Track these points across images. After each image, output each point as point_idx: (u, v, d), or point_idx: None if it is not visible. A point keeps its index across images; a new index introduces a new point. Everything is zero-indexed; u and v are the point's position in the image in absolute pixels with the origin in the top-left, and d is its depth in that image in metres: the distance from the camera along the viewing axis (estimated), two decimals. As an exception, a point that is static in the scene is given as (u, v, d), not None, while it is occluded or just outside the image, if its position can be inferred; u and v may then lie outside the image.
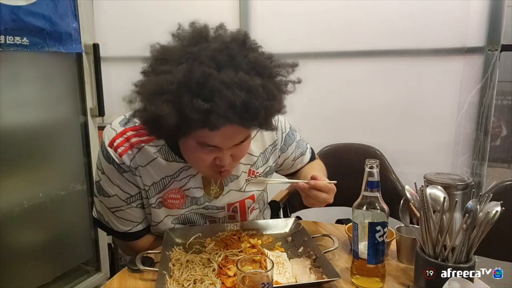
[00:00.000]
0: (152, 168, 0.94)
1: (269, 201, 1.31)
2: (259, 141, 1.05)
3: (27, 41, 1.18)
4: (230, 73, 0.74)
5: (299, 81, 0.86)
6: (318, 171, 1.13)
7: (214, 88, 0.72)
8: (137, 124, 0.93)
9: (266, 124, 0.83)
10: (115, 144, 0.91)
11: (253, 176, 1.05)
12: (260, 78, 0.77)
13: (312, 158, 1.22)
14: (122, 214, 0.98)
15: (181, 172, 0.96)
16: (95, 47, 1.40)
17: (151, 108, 0.74)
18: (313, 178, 0.94)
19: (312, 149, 1.24)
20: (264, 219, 1.19)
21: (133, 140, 0.92)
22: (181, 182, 0.97)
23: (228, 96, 0.72)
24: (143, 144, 0.92)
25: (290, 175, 1.22)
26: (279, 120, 1.09)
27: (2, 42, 1.12)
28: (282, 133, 1.09)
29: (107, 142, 0.92)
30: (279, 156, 1.10)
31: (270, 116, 0.81)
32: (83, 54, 1.39)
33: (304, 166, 1.21)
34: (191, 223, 1.04)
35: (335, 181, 0.95)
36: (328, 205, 1.32)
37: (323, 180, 0.93)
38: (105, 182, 0.94)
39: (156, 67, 0.78)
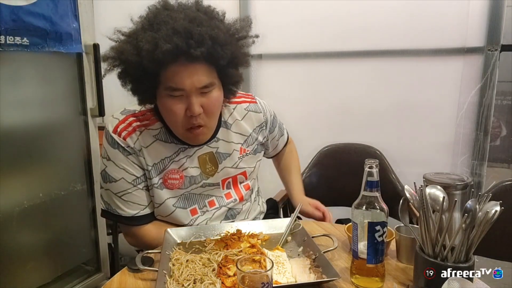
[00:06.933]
0: (153, 149, 1.01)
1: (266, 199, 1.34)
2: (248, 122, 1.14)
3: (27, 41, 1.19)
4: (179, 12, 0.89)
5: (257, 36, 0.99)
6: (297, 173, 1.37)
7: (161, 21, 0.87)
8: (136, 112, 1.03)
9: (216, 53, 0.89)
10: (118, 129, 0.99)
11: (244, 154, 1.13)
12: (206, 16, 0.91)
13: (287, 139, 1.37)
14: (129, 197, 1.02)
15: (179, 153, 1.04)
16: (95, 47, 1.40)
17: (118, 47, 0.90)
18: (314, 206, 1.22)
19: (287, 130, 1.38)
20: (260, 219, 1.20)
21: (135, 124, 1.01)
22: (179, 162, 1.04)
23: (172, 24, 0.85)
24: (144, 128, 1.01)
25: (272, 158, 1.38)
26: (266, 104, 1.21)
27: (2, 42, 1.12)
28: (270, 116, 1.21)
29: (111, 129, 1.00)
30: (266, 135, 1.21)
31: (219, 46, 0.89)
32: (83, 54, 1.39)
33: (284, 156, 1.38)
34: (192, 204, 1.07)
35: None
36: (328, 205, 1.34)
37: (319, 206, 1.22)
38: (111, 167, 1.00)
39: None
